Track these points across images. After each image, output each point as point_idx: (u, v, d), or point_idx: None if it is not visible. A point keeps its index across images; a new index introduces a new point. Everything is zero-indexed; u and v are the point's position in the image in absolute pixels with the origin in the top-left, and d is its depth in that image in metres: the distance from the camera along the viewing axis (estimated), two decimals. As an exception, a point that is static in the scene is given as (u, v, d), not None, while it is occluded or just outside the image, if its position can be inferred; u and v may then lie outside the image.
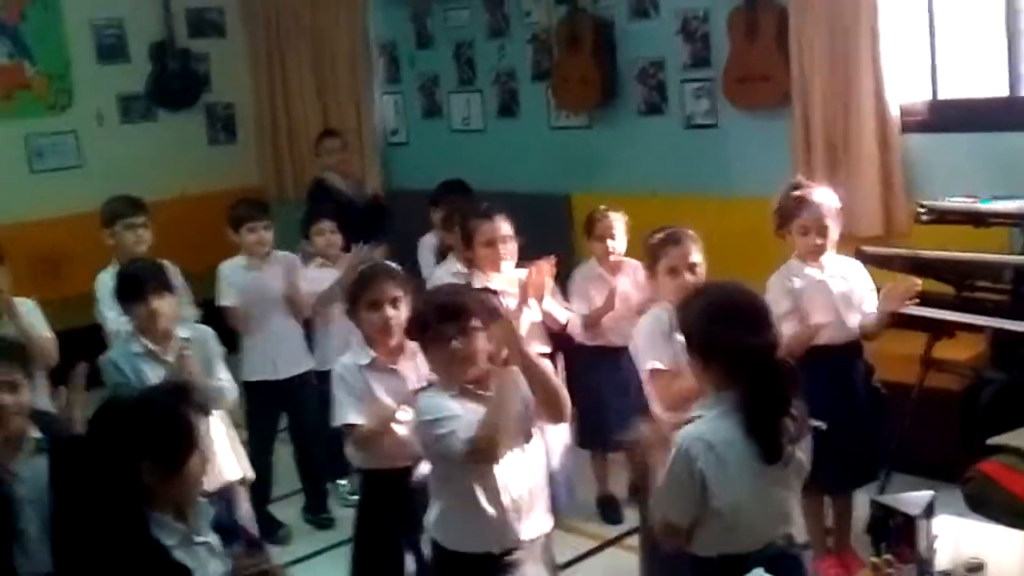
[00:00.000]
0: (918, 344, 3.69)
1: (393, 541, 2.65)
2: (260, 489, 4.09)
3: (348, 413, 2.67)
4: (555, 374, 2.34)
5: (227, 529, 1.98)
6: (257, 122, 6.87)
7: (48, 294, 3.67)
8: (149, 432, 1.83)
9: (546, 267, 3.26)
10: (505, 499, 2.24)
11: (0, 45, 5.96)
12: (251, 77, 6.83)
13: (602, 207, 3.91)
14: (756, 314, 1.99)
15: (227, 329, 3.93)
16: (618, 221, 3.85)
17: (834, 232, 3.24)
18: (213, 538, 1.94)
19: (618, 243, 3.83)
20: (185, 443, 1.86)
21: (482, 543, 2.27)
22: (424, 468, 2.44)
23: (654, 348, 2.79)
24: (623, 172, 5.20)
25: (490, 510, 2.22)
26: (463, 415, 2.19)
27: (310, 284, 4.07)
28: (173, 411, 1.88)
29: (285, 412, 4.14)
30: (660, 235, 2.98)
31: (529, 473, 2.28)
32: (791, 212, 3.23)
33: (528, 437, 2.30)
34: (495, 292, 3.16)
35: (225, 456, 3.07)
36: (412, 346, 2.60)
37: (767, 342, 1.96)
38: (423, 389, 2.38)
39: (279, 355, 4.02)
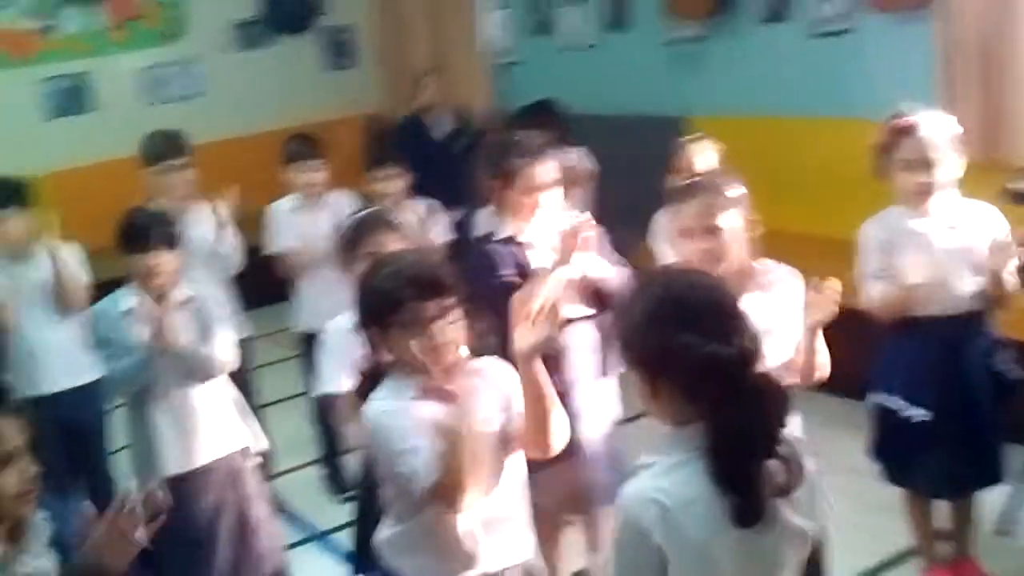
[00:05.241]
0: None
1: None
2: (327, 443, 3.94)
3: (337, 380, 2.35)
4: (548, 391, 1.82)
5: (66, 547, 1.69)
6: (374, 45, 6.59)
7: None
8: None
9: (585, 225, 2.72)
10: (467, 525, 1.84)
11: (109, -26, 5.93)
12: (367, -2, 6.55)
13: (688, 137, 3.47)
14: (721, 313, 1.42)
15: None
16: (700, 152, 3.35)
17: (947, 168, 2.55)
18: (45, 562, 1.67)
19: (703, 178, 3.31)
20: None
21: (438, 572, 1.88)
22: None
23: None
24: (742, 90, 4.64)
25: (449, 536, 1.83)
26: (423, 446, 1.76)
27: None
28: None
29: None
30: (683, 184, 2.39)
31: (501, 493, 1.87)
32: (891, 145, 2.57)
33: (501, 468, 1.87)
34: (520, 244, 2.73)
35: (227, 426, 2.83)
36: None
37: (738, 351, 1.39)
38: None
39: (330, 305, 3.73)
